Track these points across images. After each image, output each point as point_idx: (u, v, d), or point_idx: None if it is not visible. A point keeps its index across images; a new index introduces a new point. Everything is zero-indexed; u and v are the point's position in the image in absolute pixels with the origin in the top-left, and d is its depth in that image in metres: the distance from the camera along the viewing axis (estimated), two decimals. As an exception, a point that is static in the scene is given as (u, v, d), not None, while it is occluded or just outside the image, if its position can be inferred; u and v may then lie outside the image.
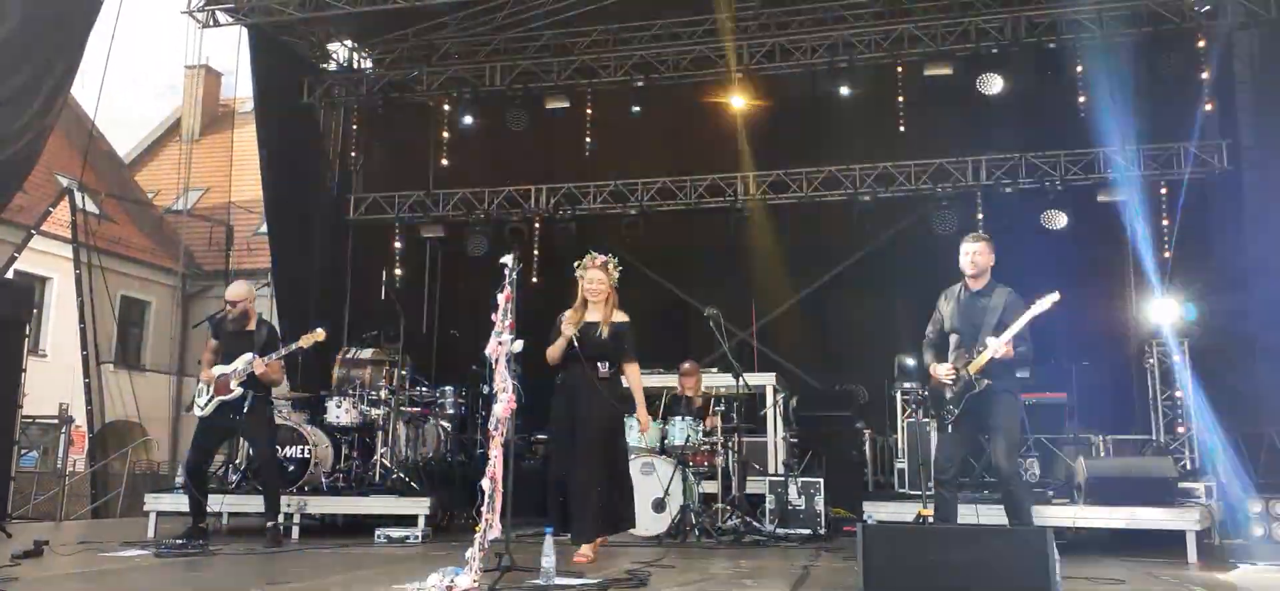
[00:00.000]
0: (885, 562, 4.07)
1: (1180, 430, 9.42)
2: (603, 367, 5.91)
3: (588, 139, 11.91)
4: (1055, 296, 5.45)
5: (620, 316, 6.02)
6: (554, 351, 5.89)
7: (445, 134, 12.27)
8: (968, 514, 6.66)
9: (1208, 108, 10.27)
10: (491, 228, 11.82)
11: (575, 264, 6.12)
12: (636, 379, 6.07)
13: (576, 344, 5.81)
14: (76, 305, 13.52)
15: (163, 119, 24.54)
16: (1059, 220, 10.58)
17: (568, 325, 5.83)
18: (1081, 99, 10.48)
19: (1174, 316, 9.73)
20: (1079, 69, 10.40)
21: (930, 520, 6.20)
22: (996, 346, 5.42)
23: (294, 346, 6.95)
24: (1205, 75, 10.13)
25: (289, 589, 4.93)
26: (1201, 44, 10.08)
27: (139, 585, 5.25)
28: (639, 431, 6.70)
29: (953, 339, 5.75)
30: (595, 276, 5.95)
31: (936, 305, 5.92)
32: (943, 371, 5.68)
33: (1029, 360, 5.65)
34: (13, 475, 9.14)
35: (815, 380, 11.57)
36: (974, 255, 5.71)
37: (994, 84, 10.29)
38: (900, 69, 10.84)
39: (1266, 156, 9.60)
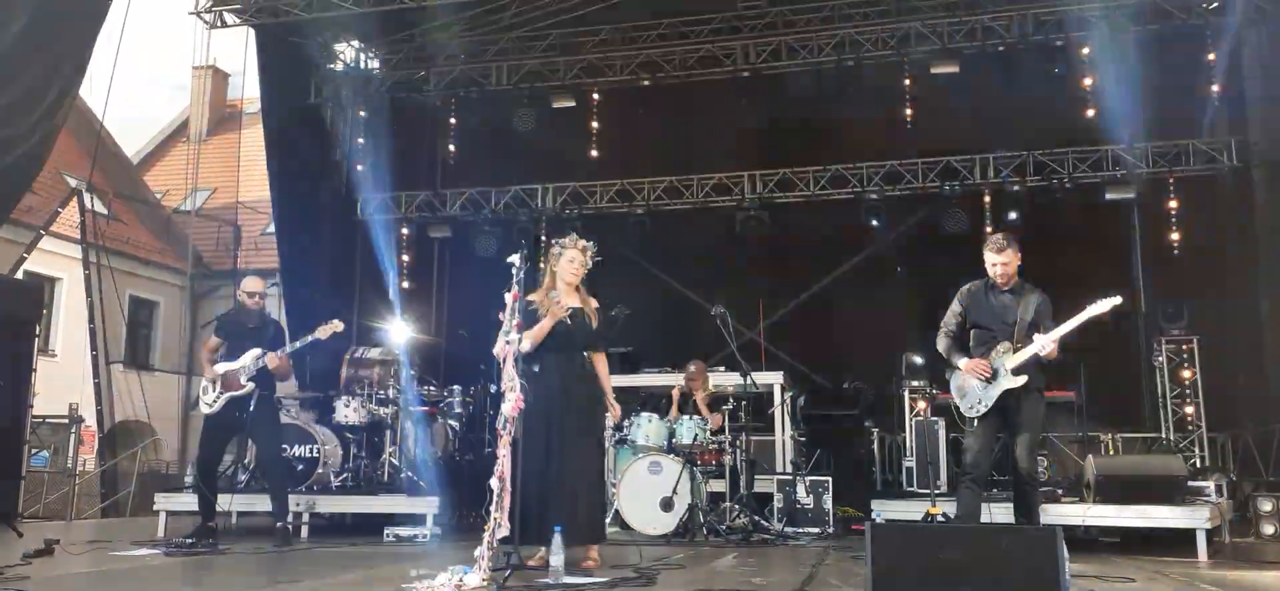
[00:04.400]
0: (893, 561, 4.05)
1: (1190, 427, 9.40)
2: (585, 359, 5.55)
3: (594, 138, 11.91)
4: (1116, 300, 5.27)
5: (595, 302, 5.66)
6: (540, 333, 5.32)
7: (452, 134, 12.29)
8: (996, 511, 6.59)
9: (1216, 100, 10.24)
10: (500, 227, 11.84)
11: (553, 241, 5.66)
12: (604, 366, 5.70)
13: (556, 332, 5.38)
14: (86, 305, 13.56)
15: (170, 119, 24.59)
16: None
17: (560, 307, 5.36)
18: (1088, 95, 10.45)
19: (1178, 313, 9.71)
20: (1086, 66, 10.37)
21: (939, 518, 6.18)
22: (1044, 343, 5.28)
23: (312, 337, 6.94)
24: (1213, 68, 10.09)
25: (298, 588, 4.94)
26: (1209, 40, 10.05)
27: (149, 584, 5.26)
28: (613, 419, 6.53)
29: (974, 334, 5.60)
30: (576, 256, 5.52)
31: (957, 297, 5.72)
32: (979, 366, 5.44)
33: (1053, 362, 5.52)
34: (24, 474, 9.19)
35: (823, 379, 11.56)
36: (1002, 265, 5.50)
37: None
38: (908, 77, 10.81)
39: (1275, 152, 9.56)
